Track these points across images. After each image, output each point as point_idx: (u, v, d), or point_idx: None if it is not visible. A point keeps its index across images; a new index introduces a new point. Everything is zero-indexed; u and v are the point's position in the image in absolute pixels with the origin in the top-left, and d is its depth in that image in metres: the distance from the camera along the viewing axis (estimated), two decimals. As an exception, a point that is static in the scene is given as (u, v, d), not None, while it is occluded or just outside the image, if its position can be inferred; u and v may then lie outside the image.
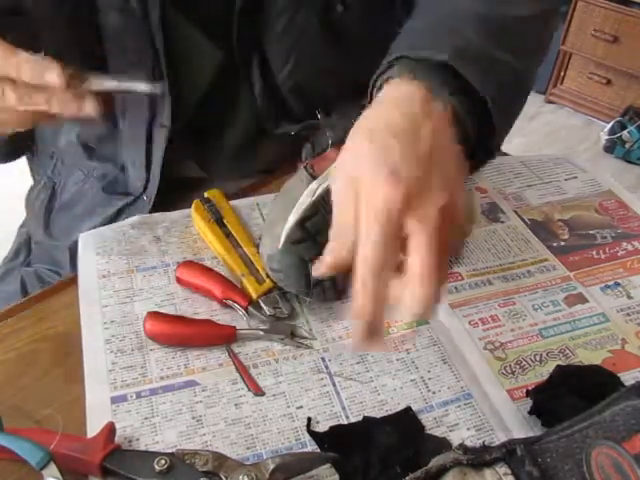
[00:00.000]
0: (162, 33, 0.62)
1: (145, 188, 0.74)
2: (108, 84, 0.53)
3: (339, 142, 0.60)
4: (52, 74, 0.47)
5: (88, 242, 0.65)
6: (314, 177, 0.56)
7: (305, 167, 0.56)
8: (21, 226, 0.92)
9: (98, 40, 0.65)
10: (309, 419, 0.50)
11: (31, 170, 0.97)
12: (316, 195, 0.55)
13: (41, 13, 0.62)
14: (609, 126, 2.50)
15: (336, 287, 0.57)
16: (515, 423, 0.50)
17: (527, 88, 0.60)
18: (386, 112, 0.43)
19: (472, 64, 0.47)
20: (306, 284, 0.55)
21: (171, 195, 0.72)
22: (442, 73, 0.46)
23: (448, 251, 0.40)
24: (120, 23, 0.62)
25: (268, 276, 0.58)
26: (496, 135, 0.51)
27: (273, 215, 0.57)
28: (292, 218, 0.54)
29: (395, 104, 0.44)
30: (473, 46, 0.49)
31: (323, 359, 0.55)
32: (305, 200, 0.55)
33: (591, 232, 0.71)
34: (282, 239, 0.54)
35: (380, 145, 0.40)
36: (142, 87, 0.52)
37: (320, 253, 0.55)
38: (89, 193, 0.78)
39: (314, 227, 0.55)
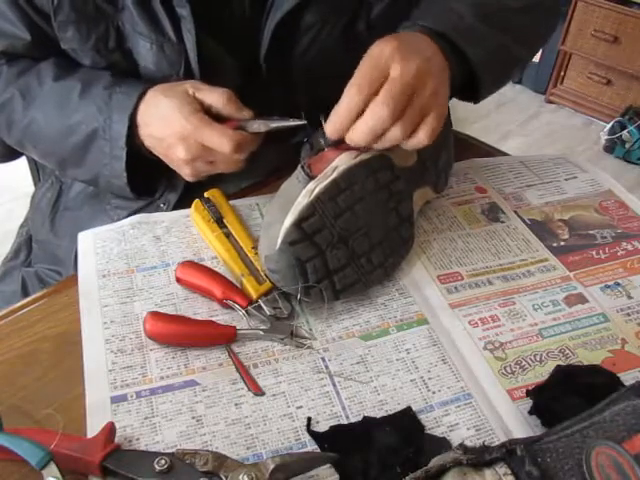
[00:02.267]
0: (197, 57, 0.65)
1: (162, 194, 0.74)
2: (267, 125, 0.61)
3: (335, 143, 0.60)
4: (225, 144, 0.59)
5: (88, 241, 0.65)
6: (311, 177, 0.56)
7: (302, 167, 0.56)
8: (21, 226, 0.92)
9: (131, 63, 0.68)
10: (309, 419, 0.50)
11: (38, 169, 0.97)
12: (313, 195, 0.55)
13: (70, 45, 0.67)
14: (609, 126, 2.50)
15: (334, 287, 0.57)
16: (515, 423, 0.50)
17: (514, 59, 0.75)
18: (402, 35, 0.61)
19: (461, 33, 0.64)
20: (304, 284, 0.55)
21: (185, 195, 0.73)
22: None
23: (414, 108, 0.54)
24: (155, 48, 0.66)
25: (267, 276, 0.58)
26: (481, 91, 0.69)
27: (270, 216, 0.57)
28: (289, 219, 0.54)
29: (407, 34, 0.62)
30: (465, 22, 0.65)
31: (323, 359, 0.55)
32: (302, 201, 0.55)
33: (591, 232, 0.71)
34: (279, 240, 0.54)
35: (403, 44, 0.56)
36: (291, 122, 0.60)
37: (317, 254, 0.55)
38: (98, 194, 0.78)
39: (311, 228, 0.55)
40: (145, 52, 0.66)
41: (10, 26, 0.67)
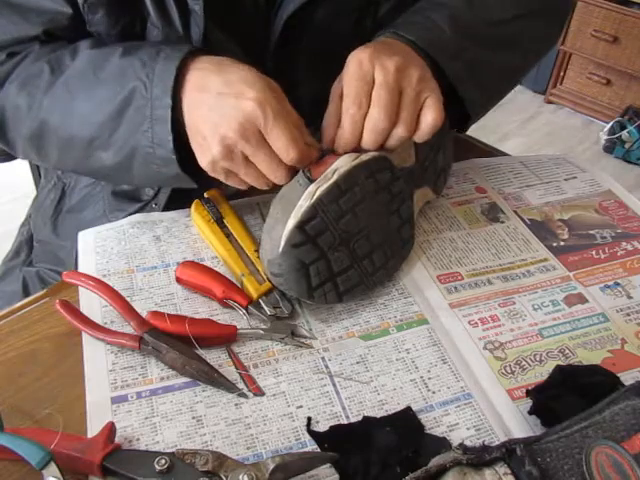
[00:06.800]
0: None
1: (156, 194, 0.74)
2: None
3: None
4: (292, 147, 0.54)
5: (88, 240, 0.65)
6: (312, 180, 0.56)
7: (303, 170, 0.56)
8: (22, 225, 0.92)
9: None
10: (309, 419, 0.50)
11: (39, 168, 0.97)
12: (314, 198, 0.55)
13: (96, 28, 0.65)
14: (609, 126, 2.51)
15: (338, 290, 0.57)
16: (515, 423, 0.50)
17: (506, 71, 0.74)
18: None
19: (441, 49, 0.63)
20: (307, 287, 0.55)
21: (175, 196, 0.72)
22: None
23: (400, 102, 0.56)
24: (161, 37, 0.64)
25: (270, 281, 0.58)
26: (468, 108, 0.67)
27: (271, 219, 0.57)
28: (291, 221, 0.54)
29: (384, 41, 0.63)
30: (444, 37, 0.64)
31: (323, 359, 0.55)
32: (304, 203, 0.54)
33: (591, 232, 0.71)
34: (282, 243, 0.54)
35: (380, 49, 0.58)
36: None
37: (320, 256, 0.55)
38: (99, 197, 0.78)
39: (313, 230, 0.55)
40: (152, 39, 0.65)
41: (51, 3, 0.63)
